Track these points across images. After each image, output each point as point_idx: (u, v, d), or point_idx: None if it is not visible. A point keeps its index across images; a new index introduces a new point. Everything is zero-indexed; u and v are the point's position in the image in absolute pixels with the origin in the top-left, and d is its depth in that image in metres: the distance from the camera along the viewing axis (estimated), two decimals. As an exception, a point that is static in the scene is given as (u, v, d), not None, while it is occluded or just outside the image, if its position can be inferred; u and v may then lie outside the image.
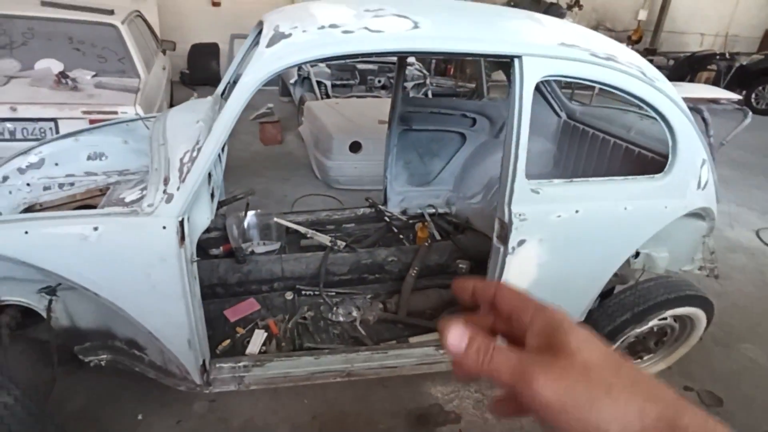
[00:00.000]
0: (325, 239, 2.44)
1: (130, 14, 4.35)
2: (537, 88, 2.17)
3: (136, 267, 1.42)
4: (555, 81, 2.83)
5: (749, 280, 3.58)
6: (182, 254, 1.42)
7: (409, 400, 2.19)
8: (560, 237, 1.68)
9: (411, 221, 2.97)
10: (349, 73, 5.55)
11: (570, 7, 7.24)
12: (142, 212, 1.40)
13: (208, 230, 2.66)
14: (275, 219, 2.42)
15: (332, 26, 1.41)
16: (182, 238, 1.41)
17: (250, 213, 2.63)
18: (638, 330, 2.12)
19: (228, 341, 1.99)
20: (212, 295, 2.25)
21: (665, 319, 2.16)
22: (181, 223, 1.40)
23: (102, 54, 3.76)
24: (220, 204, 1.96)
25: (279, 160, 5.20)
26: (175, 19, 7.20)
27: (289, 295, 2.30)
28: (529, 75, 1.47)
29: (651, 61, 9.95)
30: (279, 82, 6.61)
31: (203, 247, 2.54)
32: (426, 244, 2.53)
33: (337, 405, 2.13)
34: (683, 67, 8.73)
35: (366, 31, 1.39)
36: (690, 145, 1.84)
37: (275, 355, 1.82)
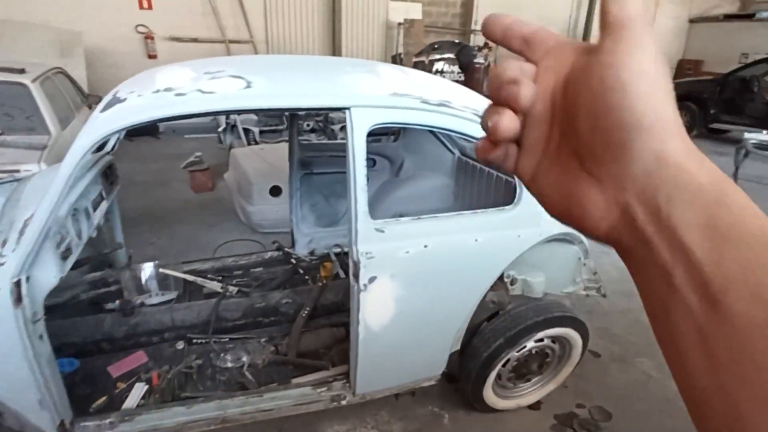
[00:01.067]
0: (215, 286, 2.47)
1: (47, 71, 4.37)
2: (430, 131, 2.32)
3: (-27, 331, 1.41)
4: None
5: (651, 296, 3.79)
6: (19, 315, 1.42)
7: (304, 442, 2.19)
8: (412, 271, 1.78)
9: (316, 262, 3.03)
10: (277, 119, 5.70)
11: (480, 49, 7.81)
12: (-23, 275, 1.41)
13: (106, 284, 2.65)
14: (161, 270, 2.43)
15: (167, 89, 1.50)
16: (19, 299, 1.42)
17: (149, 264, 2.64)
18: (516, 353, 2.22)
19: (104, 398, 1.95)
20: (98, 351, 2.21)
21: (542, 340, 2.27)
22: (18, 283, 1.42)
23: (9, 112, 3.75)
24: (84, 261, 1.97)
25: (208, 207, 5.20)
26: (109, 72, 7.23)
27: (179, 345, 2.29)
28: (359, 124, 1.60)
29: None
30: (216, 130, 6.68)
31: (98, 303, 2.52)
32: (320, 284, 2.59)
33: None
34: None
35: (198, 93, 1.50)
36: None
37: (145, 409, 1.80)
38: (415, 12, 10.11)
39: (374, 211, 3.32)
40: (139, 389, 1.98)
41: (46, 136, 3.69)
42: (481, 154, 0.35)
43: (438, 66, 6.86)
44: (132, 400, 1.93)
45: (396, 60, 8.45)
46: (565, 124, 0.31)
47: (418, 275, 1.80)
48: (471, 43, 10.58)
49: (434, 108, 1.73)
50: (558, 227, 2.17)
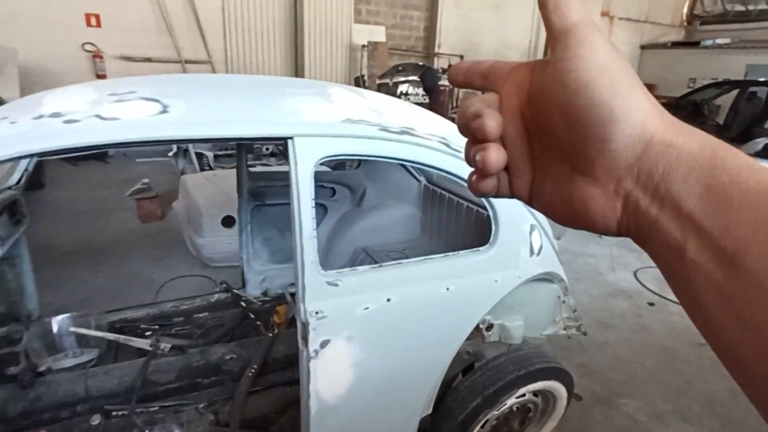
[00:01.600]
0: (143, 343, 2.08)
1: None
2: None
3: None
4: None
5: (629, 326, 3.63)
6: None
7: None
8: (374, 331, 1.48)
9: (269, 304, 2.69)
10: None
11: (444, 71, 7.77)
12: None
13: (11, 342, 2.21)
14: (72, 329, 2.03)
15: (54, 115, 1.18)
16: None
17: (62, 317, 2.22)
18: (496, 413, 1.94)
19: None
20: (-14, 435, 1.79)
21: (524, 395, 2.01)
22: None
23: None
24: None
25: (155, 239, 4.75)
26: (50, 93, 6.68)
27: (95, 420, 1.89)
28: (304, 157, 1.32)
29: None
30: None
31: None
32: (270, 334, 2.25)
33: None
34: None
35: (96, 120, 1.18)
36: (511, 213, 1.77)
37: None
38: (379, 35, 10.04)
39: (334, 246, 3.05)
40: (34, 486, 1.57)
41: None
42: (476, 188, 0.36)
43: (402, 88, 6.71)
44: (22, 502, 1.52)
45: (359, 82, 8.28)
46: (545, 137, 0.32)
47: (381, 335, 1.50)
48: (435, 66, 10.61)
49: (395, 137, 1.47)
50: (538, 267, 1.94)
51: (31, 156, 1.11)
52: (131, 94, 1.29)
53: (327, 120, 1.40)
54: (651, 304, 3.93)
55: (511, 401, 1.97)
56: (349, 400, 1.52)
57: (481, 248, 1.73)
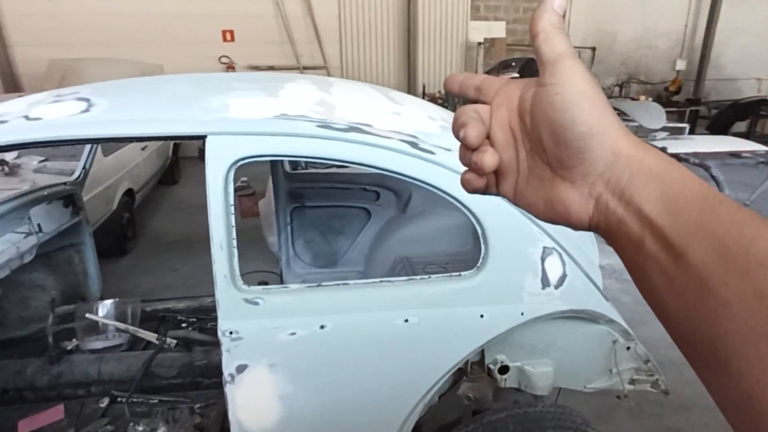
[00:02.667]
0: (149, 336, 2.16)
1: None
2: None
3: None
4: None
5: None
6: None
7: None
8: (303, 362, 1.27)
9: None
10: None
11: None
12: None
13: (69, 319, 2.50)
14: (87, 315, 2.19)
15: (-9, 116, 1.22)
16: None
17: (108, 302, 2.44)
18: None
19: (-10, 463, 1.72)
20: (19, 400, 2.02)
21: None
22: None
23: (57, 139, 3.97)
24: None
25: (247, 234, 5.05)
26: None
27: (103, 402, 2.01)
28: (216, 156, 1.17)
29: (694, 111, 9.09)
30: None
31: (57, 342, 2.36)
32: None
33: None
34: (726, 116, 7.77)
35: (22, 120, 1.19)
36: (510, 232, 1.39)
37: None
38: (498, 30, 9.46)
39: (376, 253, 2.85)
40: (28, 457, 1.71)
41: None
42: (468, 186, 0.41)
43: (508, 84, 6.14)
44: (13, 470, 1.66)
45: None
46: (531, 145, 0.38)
47: (313, 367, 1.28)
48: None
49: (337, 134, 1.23)
50: (558, 303, 1.50)
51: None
52: (73, 94, 1.30)
53: (253, 117, 1.23)
54: None
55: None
56: (281, 436, 1.33)
57: (464, 273, 1.39)
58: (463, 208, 1.35)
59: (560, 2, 0.36)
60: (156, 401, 2.02)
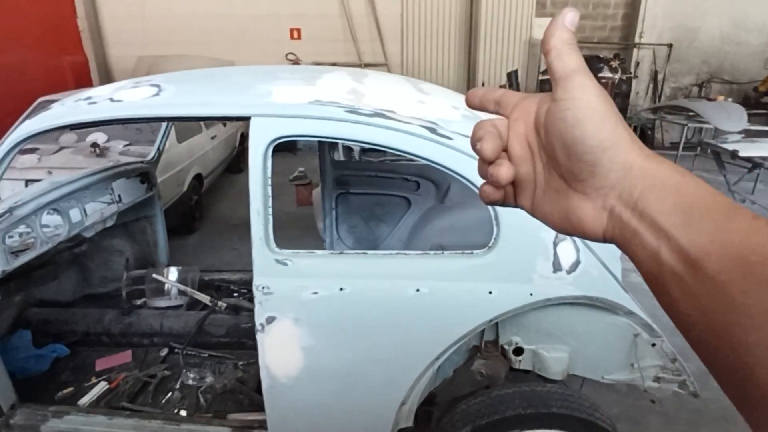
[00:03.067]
0: (204, 298, 2.44)
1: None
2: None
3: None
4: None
5: None
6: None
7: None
8: (324, 318, 1.44)
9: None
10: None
11: (608, 61, 6.51)
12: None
13: (140, 282, 2.87)
14: (153, 275, 2.50)
15: (86, 99, 1.50)
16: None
17: (172, 268, 2.77)
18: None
19: (71, 389, 2.05)
20: (98, 343, 2.37)
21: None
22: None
23: (140, 127, 4.45)
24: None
25: (302, 221, 5.40)
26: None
27: (163, 352, 2.32)
28: (258, 136, 1.36)
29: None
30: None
31: (129, 299, 2.73)
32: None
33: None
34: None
35: (108, 102, 1.46)
36: (523, 216, 1.47)
37: (74, 408, 1.82)
38: (565, 27, 9.16)
39: (415, 241, 2.98)
40: (99, 389, 2.03)
41: (160, 147, 4.27)
42: (486, 198, 0.43)
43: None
44: (88, 397, 1.98)
45: (512, 78, 7.74)
46: (547, 158, 0.39)
47: (333, 324, 1.45)
48: (634, 59, 9.18)
49: (363, 119, 1.39)
50: (570, 288, 1.56)
51: (63, 127, 1.44)
52: (147, 81, 1.55)
53: (290, 102, 1.41)
54: None
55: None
56: (302, 384, 1.51)
57: (476, 251, 1.49)
58: (476, 190, 1.46)
59: (571, 19, 0.36)
60: (206, 355, 2.29)
